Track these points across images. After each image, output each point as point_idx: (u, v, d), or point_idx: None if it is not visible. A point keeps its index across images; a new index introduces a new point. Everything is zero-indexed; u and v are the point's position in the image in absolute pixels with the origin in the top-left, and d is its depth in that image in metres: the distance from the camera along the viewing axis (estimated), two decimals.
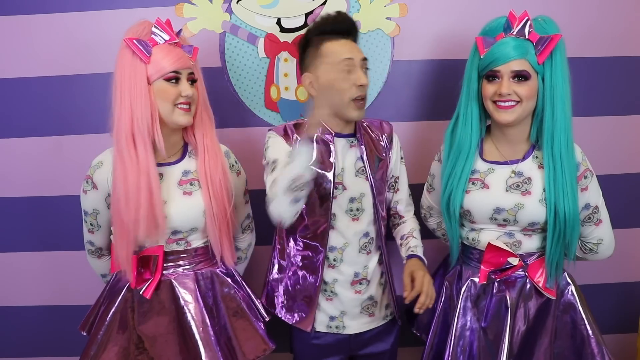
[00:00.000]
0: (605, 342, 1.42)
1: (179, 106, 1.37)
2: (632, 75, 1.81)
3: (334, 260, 1.48)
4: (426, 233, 1.80)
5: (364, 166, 1.48)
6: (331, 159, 1.44)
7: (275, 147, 1.43)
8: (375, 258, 1.54)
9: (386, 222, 1.59)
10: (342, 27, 1.44)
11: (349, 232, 1.48)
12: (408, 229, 1.60)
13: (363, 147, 1.47)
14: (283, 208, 1.27)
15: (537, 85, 1.34)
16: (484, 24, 1.42)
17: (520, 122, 1.38)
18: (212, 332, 1.41)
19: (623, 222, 1.89)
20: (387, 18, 1.76)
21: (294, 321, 1.54)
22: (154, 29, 1.36)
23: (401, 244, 1.57)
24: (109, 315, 1.44)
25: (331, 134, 1.45)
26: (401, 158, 1.59)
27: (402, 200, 1.62)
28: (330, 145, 1.44)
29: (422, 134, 1.83)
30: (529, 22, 1.33)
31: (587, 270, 1.87)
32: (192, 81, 1.40)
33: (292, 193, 1.23)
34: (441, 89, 1.80)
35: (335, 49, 1.41)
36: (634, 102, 1.83)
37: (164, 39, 1.36)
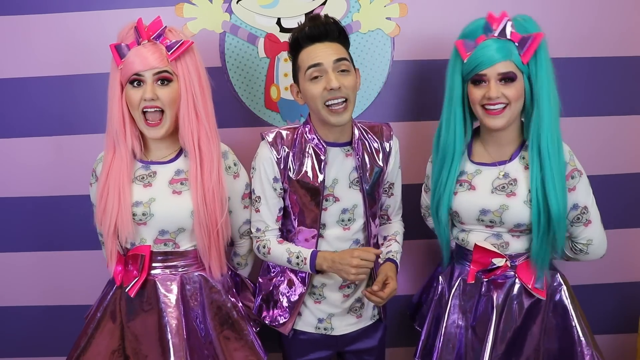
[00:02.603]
0: (597, 345, 1.40)
1: (146, 116, 1.34)
2: (632, 75, 1.81)
3: None
4: (421, 234, 1.80)
5: (358, 177, 1.45)
6: (320, 171, 1.41)
7: (262, 167, 1.43)
8: None
9: (377, 225, 1.59)
10: (314, 32, 1.35)
11: (339, 240, 1.47)
12: (392, 230, 1.61)
13: (359, 157, 1.45)
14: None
15: (524, 85, 1.33)
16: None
17: (511, 124, 1.37)
18: (185, 341, 1.36)
19: (623, 222, 1.89)
20: (387, 18, 1.76)
21: (275, 323, 1.53)
22: (134, 31, 1.34)
23: (382, 244, 1.58)
24: (100, 309, 1.44)
25: (323, 147, 1.42)
26: (399, 165, 1.56)
27: (393, 205, 1.61)
28: (322, 157, 1.42)
29: (421, 134, 1.83)
30: (509, 22, 1.32)
31: (587, 270, 1.87)
32: (163, 81, 1.33)
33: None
34: (441, 89, 1.77)
35: (304, 56, 1.36)
36: (634, 102, 1.83)
37: (140, 40, 1.34)
